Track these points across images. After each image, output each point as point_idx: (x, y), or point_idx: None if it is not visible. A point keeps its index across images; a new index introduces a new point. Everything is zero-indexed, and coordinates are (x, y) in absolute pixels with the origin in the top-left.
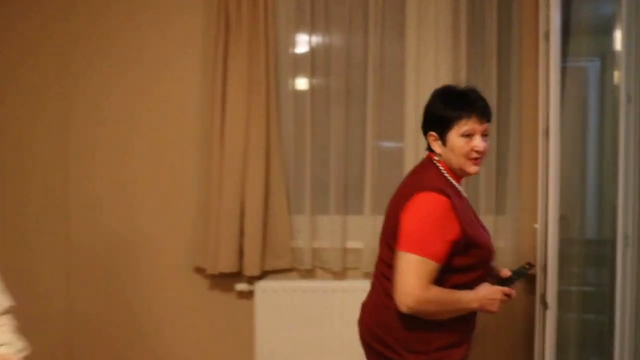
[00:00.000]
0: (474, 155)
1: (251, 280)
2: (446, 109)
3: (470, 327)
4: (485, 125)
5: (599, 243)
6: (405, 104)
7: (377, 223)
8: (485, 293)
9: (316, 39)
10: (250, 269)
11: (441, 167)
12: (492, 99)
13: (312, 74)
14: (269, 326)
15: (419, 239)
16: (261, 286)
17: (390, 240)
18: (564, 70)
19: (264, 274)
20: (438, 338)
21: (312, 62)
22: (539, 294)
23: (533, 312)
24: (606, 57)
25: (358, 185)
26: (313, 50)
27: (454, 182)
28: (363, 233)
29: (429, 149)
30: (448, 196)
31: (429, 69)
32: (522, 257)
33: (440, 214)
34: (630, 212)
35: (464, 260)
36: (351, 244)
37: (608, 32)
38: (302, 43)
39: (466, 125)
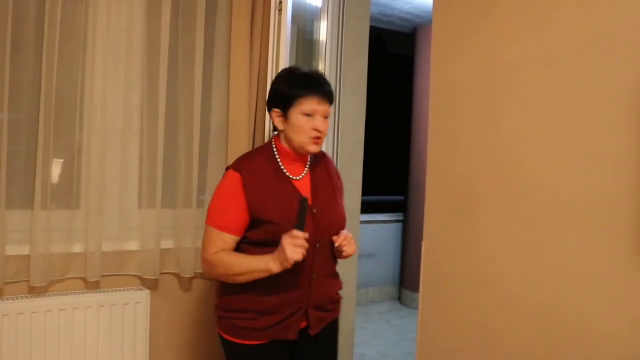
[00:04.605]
0: (315, 134)
1: None
2: (291, 87)
3: (277, 304)
4: (326, 107)
5: None
6: (85, 77)
7: (46, 219)
8: (278, 249)
9: None
10: None
11: (274, 146)
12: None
13: None
14: None
15: (213, 212)
16: None
17: None
18: None
19: None
20: (241, 301)
21: None
22: None
23: None
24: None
25: None
26: None
27: (279, 160)
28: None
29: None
30: (241, 173)
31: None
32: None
33: (233, 189)
34: None
35: (256, 235)
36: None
37: None
38: None
39: (308, 104)
